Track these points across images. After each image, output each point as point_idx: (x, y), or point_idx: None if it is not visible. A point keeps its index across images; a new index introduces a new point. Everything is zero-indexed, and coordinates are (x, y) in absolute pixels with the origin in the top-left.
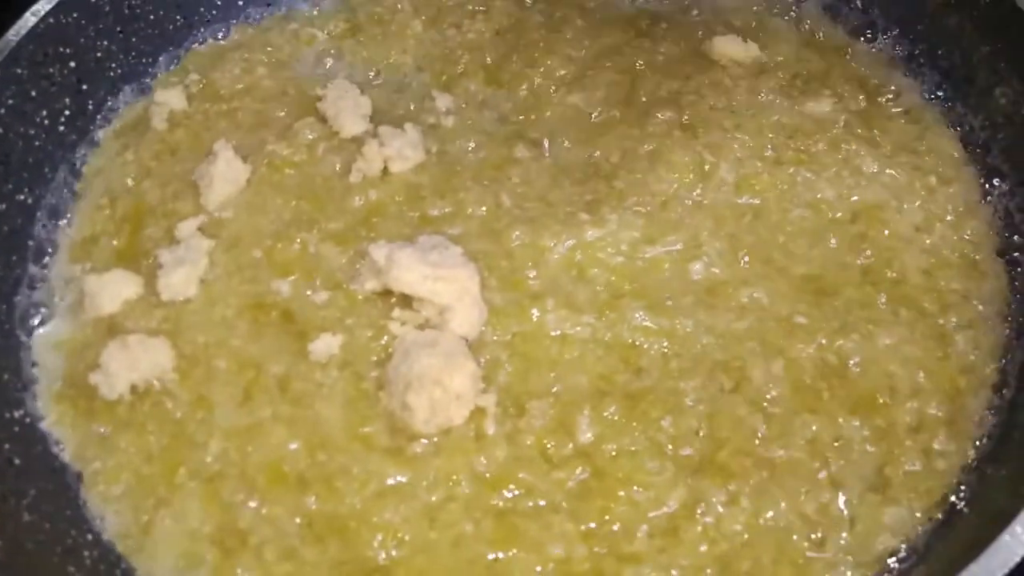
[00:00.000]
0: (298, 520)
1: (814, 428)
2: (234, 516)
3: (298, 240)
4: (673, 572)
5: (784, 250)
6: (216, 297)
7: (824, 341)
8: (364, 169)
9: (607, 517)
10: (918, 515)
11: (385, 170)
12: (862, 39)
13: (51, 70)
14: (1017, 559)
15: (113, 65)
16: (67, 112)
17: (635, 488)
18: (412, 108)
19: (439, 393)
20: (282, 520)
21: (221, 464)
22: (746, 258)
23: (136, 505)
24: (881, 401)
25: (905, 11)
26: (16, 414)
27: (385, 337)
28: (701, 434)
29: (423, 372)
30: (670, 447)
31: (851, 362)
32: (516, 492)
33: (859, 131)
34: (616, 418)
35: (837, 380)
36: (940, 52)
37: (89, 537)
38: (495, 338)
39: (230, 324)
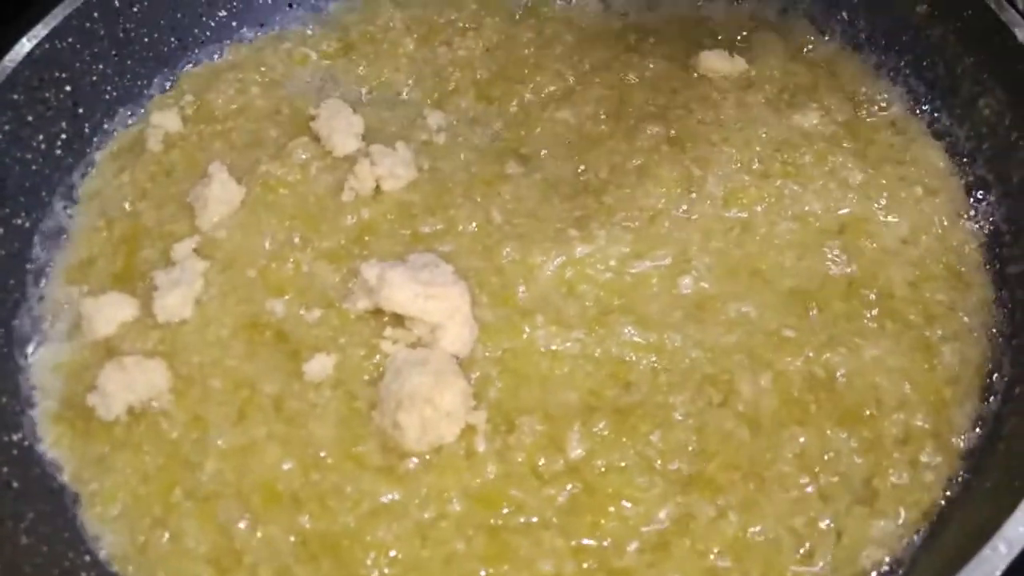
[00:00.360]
0: (292, 539)
1: (802, 441)
2: (229, 535)
3: (291, 260)
4: None
5: (772, 263)
6: (211, 318)
7: (811, 354)
8: (356, 188)
9: (597, 533)
10: (904, 527)
11: (377, 188)
12: (848, 51)
13: (47, 94)
14: (999, 573)
15: (108, 88)
16: (63, 136)
17: (625, 503)
18: (404, 126)
19: (430, 411)
20: (276, 539)
21: (216, 484)
22: (734, 271)
23: (133, 526)
24: (868, 413)
25: (890, 23)
26: (15, 437)
27: (377, 356)
28: (690, 448)
29: (414, 390)
30: (659, 462)
31: (838, 374)
32: (507, 509)
33: (845, 143)
34: (606, 434)
35: (824, 393)
36: (925, 64)
37: (87, 559)
38: (486, 355)
39: (225, 344)
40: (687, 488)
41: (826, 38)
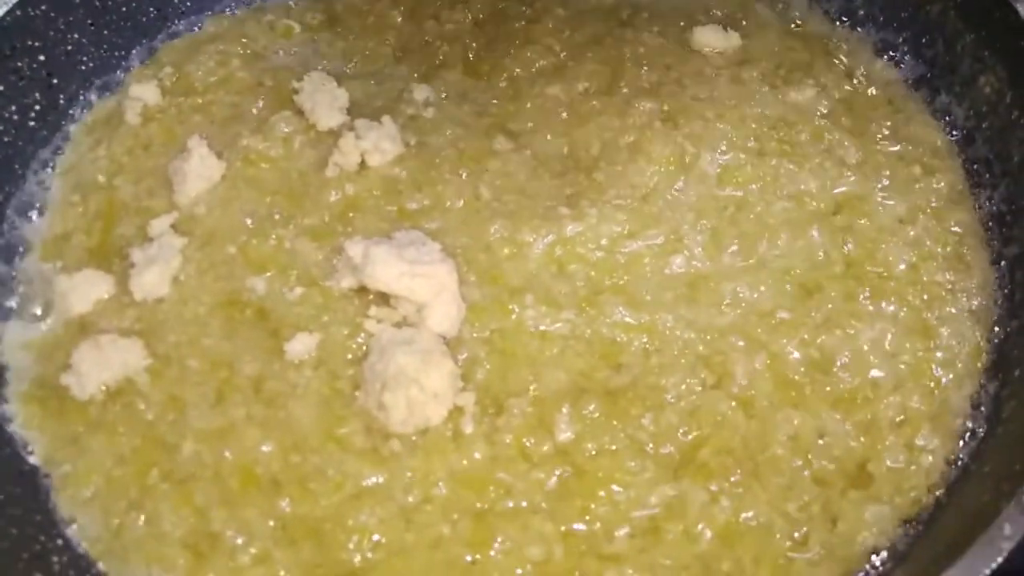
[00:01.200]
0: (271, 523)
1: (796, 423)
2: (207, 519)
3: (273, 236)
4: (654, 572)
5: (767, 243)
6: (189, 295)
7: (807, 335)
8: (341, 163)
9: (587, 517)
10: (901, 512)
11: (362, 164)
12: (845, 28)
13: (19, 64)
14: (1000, 558)
15: (84, 59)
16: (37, 107)
17: (615, 488)
18: (390, 100)
19: (416, 392)
20: (255, 523)
21: (193, 466)
22: (728, 251)
23: (107, 508)
24: (864, 396)
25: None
26: None
27: (361, 335)
28: (682, 432)
29: (399, 371)
30: (651, 445)
31: (834, 356)
32: (494, 493)
33: (842, 121)
34: (596, 416)
35: (820, 375)
36: (924, 41)
37: (59, 542)
38: (473, 335)
39: (203, 322)
40: (679, 472)
41: (823, 14)
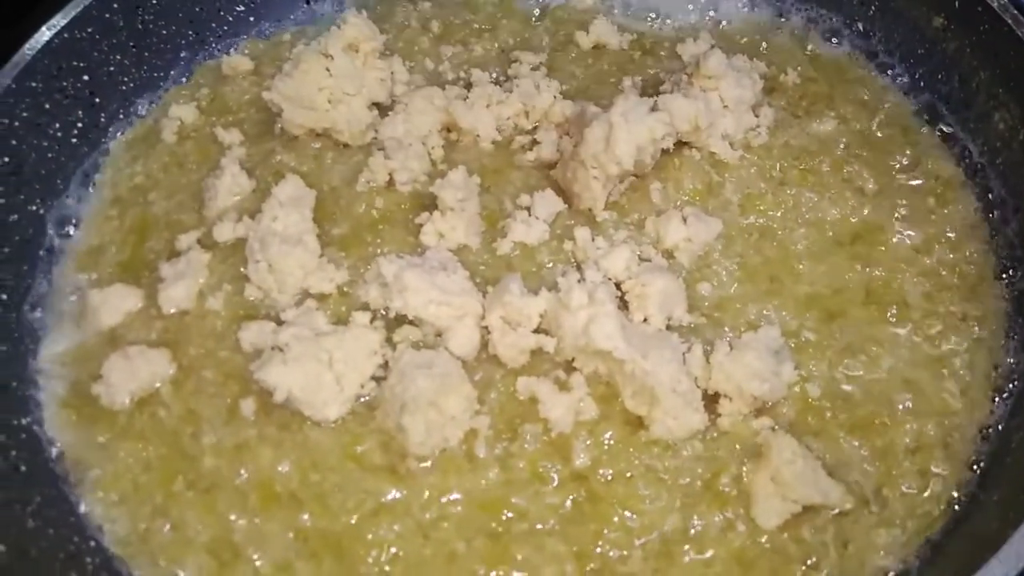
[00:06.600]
0: (292, 536)
1: (814, 449)
2: (229, 528)
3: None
4: None
5: (790, 269)
6: (208, 308)
7: (832, 358)
8: (370, 180)
9: (600, 541)
10: (912, 537)
11: (390, 181)
12: (863, 62)
13: (65, 83)
14: None
15: (126, 79)
16: (80, 124)
17: (630, 513)
18: None
19: (434, 415)
20: (276, 535)
21: (215, 478)
22: (755, 274)
23: (134, 513)
24: (881, 421)
25: (906, 35)
26: (23, 420)
27: (381, 354)
28: (700, 458)
29: (419, 393)
30: (666, 476)
31: (856, 381)
32: (509, 514)
33: (862, 152)
34: (613, 443)
35: (841, 400)
36: (940, 76)
37: (92, 544)
38: (488, 355)
39: (220, 335)
40: (694, 499)
41: (843, 48)
